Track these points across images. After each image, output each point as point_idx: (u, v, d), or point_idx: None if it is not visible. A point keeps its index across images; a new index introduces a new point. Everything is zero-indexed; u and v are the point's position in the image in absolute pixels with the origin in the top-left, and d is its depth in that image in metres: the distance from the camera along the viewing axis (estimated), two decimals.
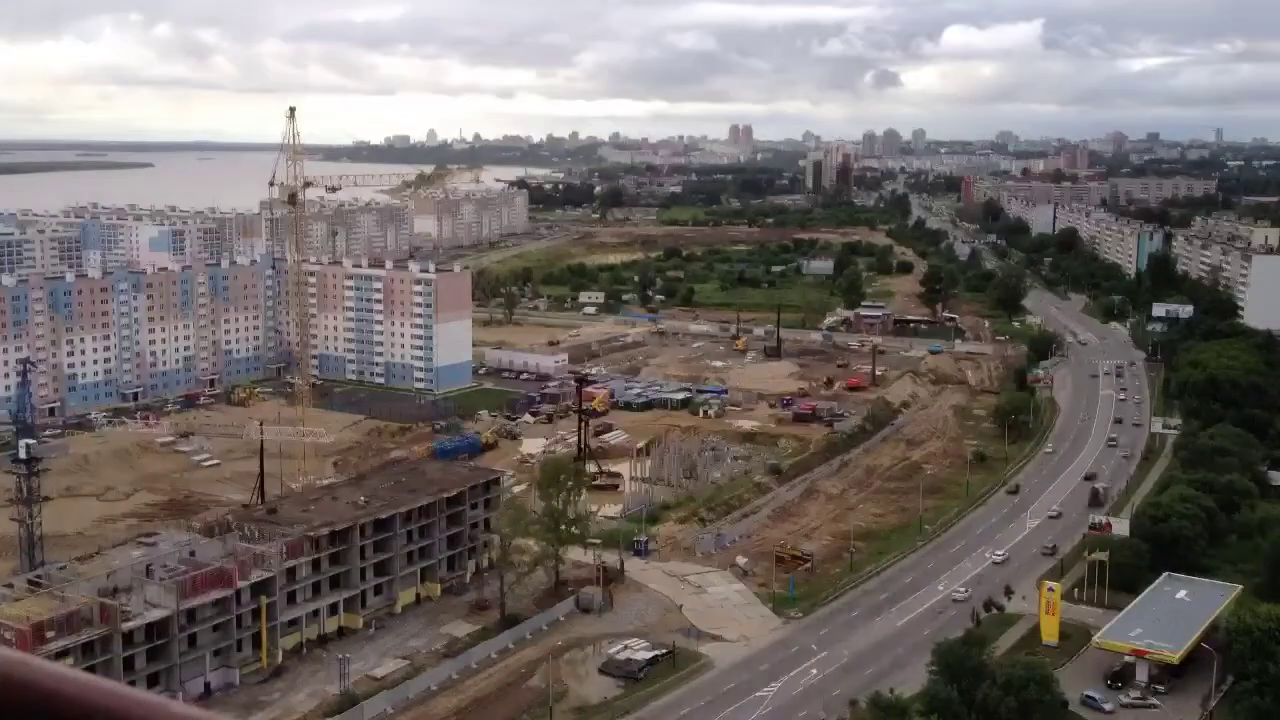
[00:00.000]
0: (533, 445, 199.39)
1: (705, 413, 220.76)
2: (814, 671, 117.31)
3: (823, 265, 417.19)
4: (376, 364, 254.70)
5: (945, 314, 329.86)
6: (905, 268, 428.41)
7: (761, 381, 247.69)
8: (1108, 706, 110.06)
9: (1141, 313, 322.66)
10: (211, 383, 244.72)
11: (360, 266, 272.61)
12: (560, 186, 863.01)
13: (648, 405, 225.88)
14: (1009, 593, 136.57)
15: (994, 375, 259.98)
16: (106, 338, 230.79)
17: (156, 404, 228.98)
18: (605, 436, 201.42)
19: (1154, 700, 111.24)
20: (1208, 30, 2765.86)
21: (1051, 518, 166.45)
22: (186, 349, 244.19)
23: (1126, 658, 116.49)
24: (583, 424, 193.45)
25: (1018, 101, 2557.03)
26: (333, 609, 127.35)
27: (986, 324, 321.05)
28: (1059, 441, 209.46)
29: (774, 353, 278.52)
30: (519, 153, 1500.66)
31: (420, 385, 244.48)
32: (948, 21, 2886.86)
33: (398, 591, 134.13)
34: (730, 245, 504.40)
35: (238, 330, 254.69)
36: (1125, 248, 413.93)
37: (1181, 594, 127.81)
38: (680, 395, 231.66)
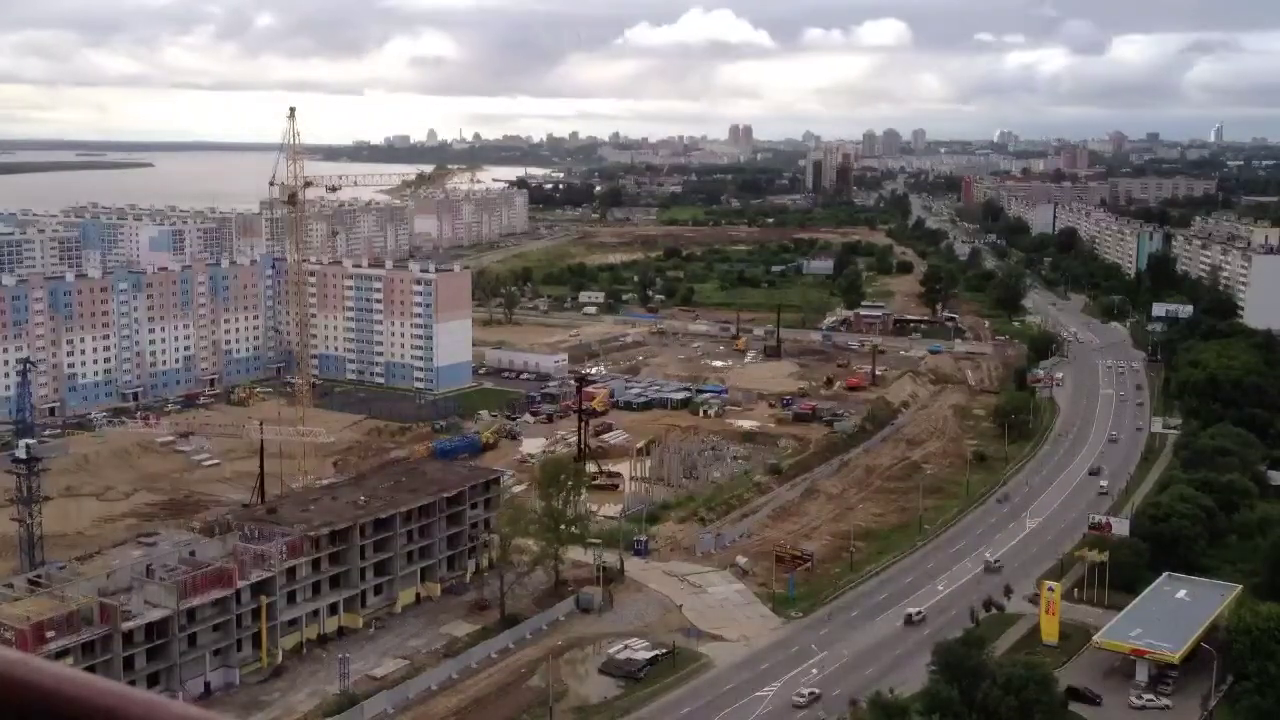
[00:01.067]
0: (533, 445, 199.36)
1: (705, 413, 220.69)
2: (814, 671, 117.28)
3: (823, 265, 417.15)
4: (376, 364, 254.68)
5: (945, 314, 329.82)
6: (905, 268, 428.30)
7: (761, 381, 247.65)
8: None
9: (1141, 313, 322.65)
10: (211, 383, 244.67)
11: (360, 266, 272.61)
12: (560, 186, 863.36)
13: (648, 405, 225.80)
14: (1009, 593, 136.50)
15: (994, 375, 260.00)
16: (106, 338, 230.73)
17: (156, 404, 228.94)
18: (605, 436, 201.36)
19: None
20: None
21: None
22: (186, 349, 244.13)
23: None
24: (583, 424, 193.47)
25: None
26: (333, 609, 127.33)
27: (986, 324, 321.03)
28: (1056, 443, 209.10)
29: (774, 353, 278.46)
30: (519, 153, 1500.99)
31: (420, 385, 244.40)
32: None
33: (398, 591, 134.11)
34: (730, 245, 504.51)
35: (238, 330, 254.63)
36: (1125, 248, 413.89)
37: (1181, 594, 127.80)
38: (680, 395, 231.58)
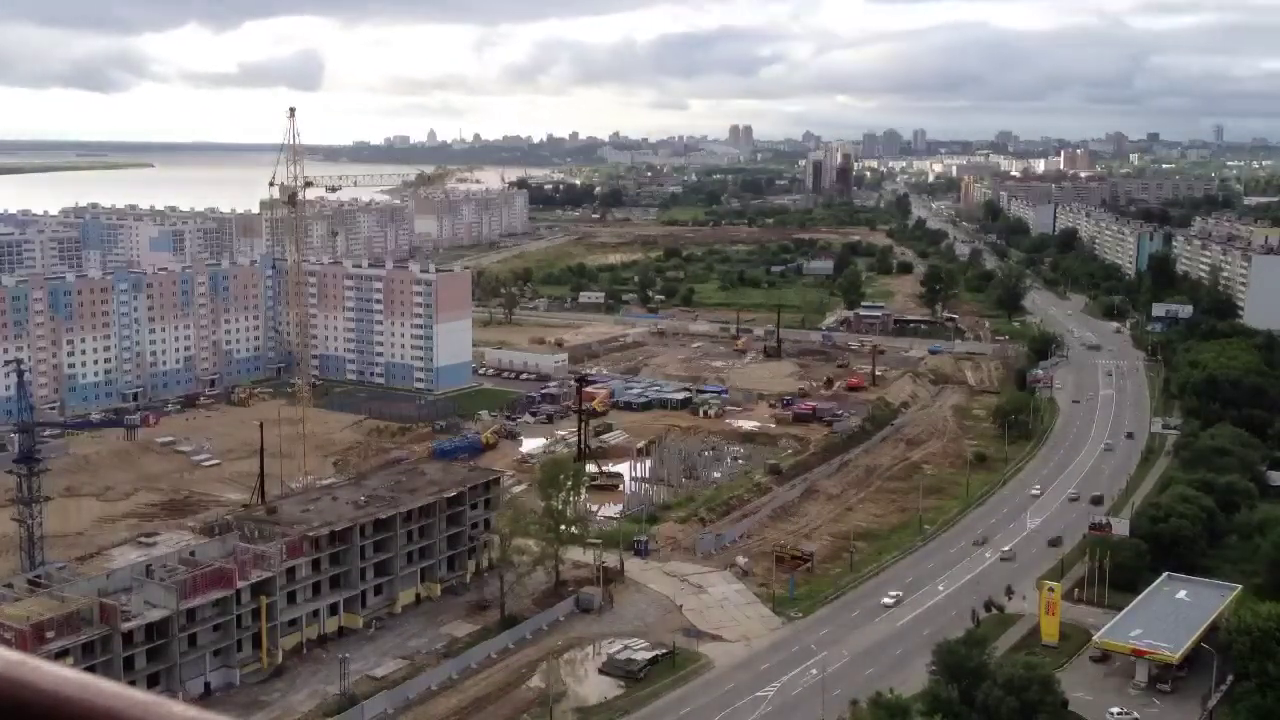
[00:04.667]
0: (533, 445, 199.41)
1: (705, 413, 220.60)
2: (814, 671, 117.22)
3: (823, 265, 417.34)
4: (376, 364, 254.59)
5: (945, 314, 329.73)
6: (905, 268, 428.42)
7: (761, 381, 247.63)
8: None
9: (1141, 313, 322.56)
10: (212, 383, 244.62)
11: (360, 266, 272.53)
12: (560, 186, 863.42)
13: (648, 405, 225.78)
14: (1009, 593, 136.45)
15: (994, 375, 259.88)
16: (106, 338, 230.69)
17: (156, 404, 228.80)
18: (605, 436, 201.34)
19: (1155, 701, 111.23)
20: None
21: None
22: (186, 349, 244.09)
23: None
24: (583, 424, 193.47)
25: None
26: (333, 609, 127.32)
27: (986, 324, 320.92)
28: (1053, 448, 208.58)
29: (774, 353, 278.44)
30: (519, 153, 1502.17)
31: (420, 385, 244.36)
32: None
33: (398, 591, 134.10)
34: (730, 245, 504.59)
35: (238, 330, 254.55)
36: (1125, 248, 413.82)
37: (1181, 594, 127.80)
38: (680, 395, 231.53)
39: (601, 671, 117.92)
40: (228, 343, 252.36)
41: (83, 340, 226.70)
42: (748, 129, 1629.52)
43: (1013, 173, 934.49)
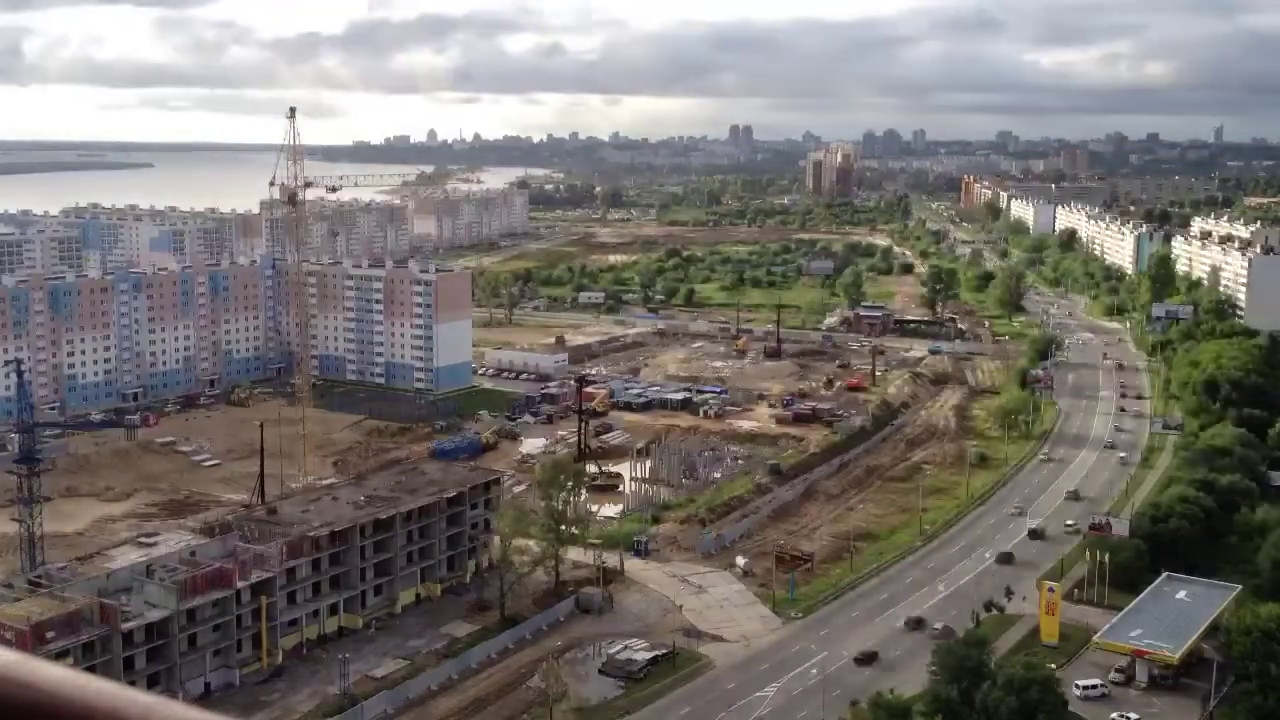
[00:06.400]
0: (533, 445, 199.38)
1: (705, 413, 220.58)
2: (814, 672, 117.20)
3: (823, 265, 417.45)
4: (376, 364, 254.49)
5: (945, 314, 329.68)
6: (906, 268, 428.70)
7: (761, 381, 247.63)
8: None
9: (1141, 313, 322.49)
10: (212, 383, 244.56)
11: (360, 266, 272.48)
12: (561, 187, 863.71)
13: (648, 405, 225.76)
14: (1009, 593, 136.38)
15: (994, 375, 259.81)
16: (106, 338, 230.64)
17: (156, 404, 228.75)
18: (605, 436, 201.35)
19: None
20: None
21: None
22: (186, 349, 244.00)
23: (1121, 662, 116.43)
24: (583, 424, 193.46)
25: None
26: (333, 609, 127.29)
27: (986, 324, 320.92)
28: (1054, 446, 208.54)
29: (774, 353, 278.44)
30: (519, 153, 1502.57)
31: (420, 385, 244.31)
32: None
33: (398, 591, 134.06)
34: (731, 245, 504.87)
35: (238, 331, 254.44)
36: (1125, 248, 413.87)
37: (1181, 594, 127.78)
38: (680, 395, 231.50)
39: (601, 672, 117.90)
40: (228, 343, 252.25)
41: (83, 340, 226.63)
42: (748, 129, 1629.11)
43: (1013, 172, 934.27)
